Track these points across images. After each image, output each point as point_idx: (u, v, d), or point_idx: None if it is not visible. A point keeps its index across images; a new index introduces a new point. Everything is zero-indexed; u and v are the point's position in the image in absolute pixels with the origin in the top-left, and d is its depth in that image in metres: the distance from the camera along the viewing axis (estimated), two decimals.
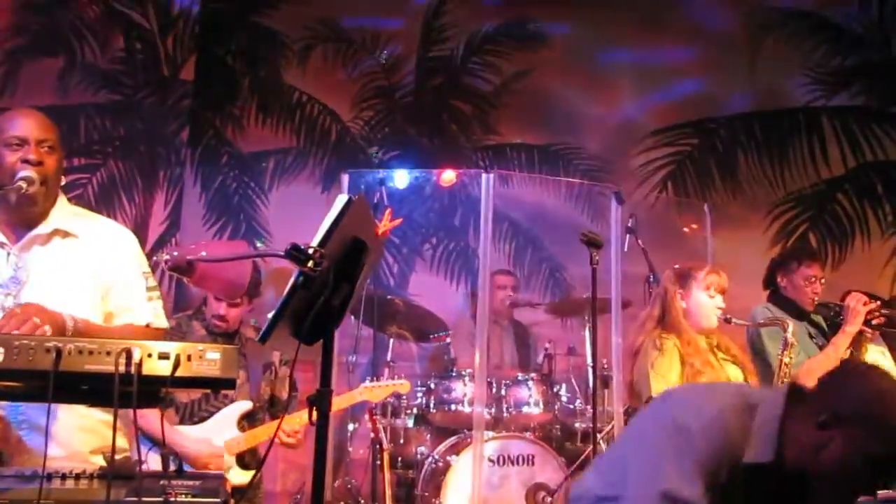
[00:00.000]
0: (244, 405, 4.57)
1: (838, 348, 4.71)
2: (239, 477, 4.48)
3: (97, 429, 2.91)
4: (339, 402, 4.68)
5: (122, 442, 2.97)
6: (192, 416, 4.55)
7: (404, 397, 5.67)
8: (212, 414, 4.57)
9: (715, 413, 2.27)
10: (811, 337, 4.89)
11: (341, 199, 2.24)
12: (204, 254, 2.30)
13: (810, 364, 4.67)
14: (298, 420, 4.53)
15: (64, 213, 3.05)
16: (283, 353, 4.84)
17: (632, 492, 2.27)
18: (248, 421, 4.66)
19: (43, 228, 2.98)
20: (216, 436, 4.50)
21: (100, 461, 2.86)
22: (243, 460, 4.62)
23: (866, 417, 2.13)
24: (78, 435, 2.87)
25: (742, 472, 2.21)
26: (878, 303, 4.75)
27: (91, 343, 2.34)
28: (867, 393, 2.19)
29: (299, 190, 7.39)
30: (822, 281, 5.01)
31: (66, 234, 3.01)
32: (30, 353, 2.30)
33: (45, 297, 2.86)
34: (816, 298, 4.92)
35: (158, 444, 4.09)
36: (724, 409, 2.28)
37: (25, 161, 2.88)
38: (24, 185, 2.84)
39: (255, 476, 4.59)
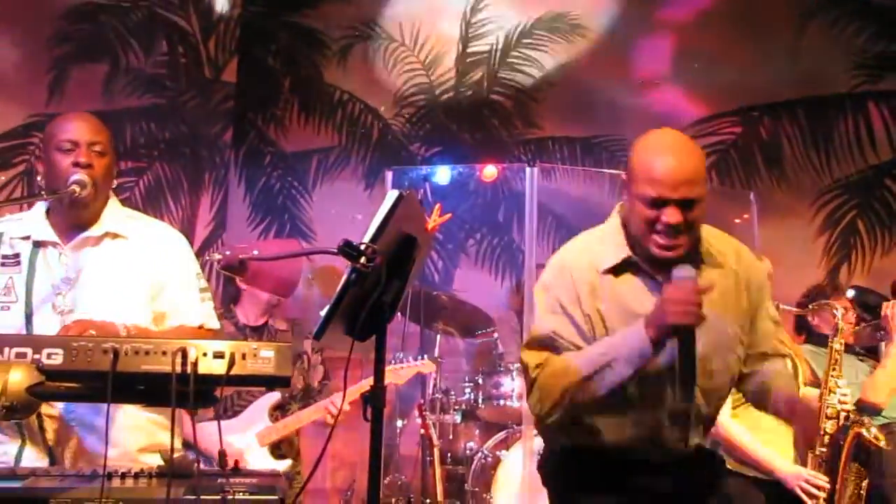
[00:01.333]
0: (274, 396, 4.63)
1: (895, 358, 4.66)
2: (272, 466, 4.55)
3: (146, 427, 2.96)
4: (362, 387, 4.72)
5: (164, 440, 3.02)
6: (227, 410, 4.59)
7: (452, 393, 5.69)
8: (244, 408, 4.62)
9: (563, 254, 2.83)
10: (861, 360, 4.83)
11: (392, 195, 2.25)
12: (256, 252, 2.32)
13: (873, 380, 4.61)
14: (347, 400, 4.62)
15: (116, 215, 3.09)
16: (314, 343, 4.91)
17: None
18: (280, 411, 4.72)
19: (95, 230, 3.02)
20: (248, 429, 4.56)
21: (148, 460, 2.89)
22: (279, 450, 4.69)
23: (631, 169, 2.64)
24: (127, 434, 2.91)
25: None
26: None
27: (147, 343, 2.38)
28: (640, 149, 2.67)
29: (342, 188, 7.42)
30: (852, 312, 4.89)
31: (116, 236, 3.05)
32: (88, 354, 2.33)
33: (95, 297, 2.93)
34: (852, 328, 4.79)
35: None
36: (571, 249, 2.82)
37: (76, 164, 2.92)
38: (77, 188, 2.88)
39: (293, 466, 4.68)
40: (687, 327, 2.49)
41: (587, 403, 2.59)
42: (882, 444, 4.04)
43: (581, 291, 2.65)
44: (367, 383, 4.68)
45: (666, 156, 2.58)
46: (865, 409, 4.38)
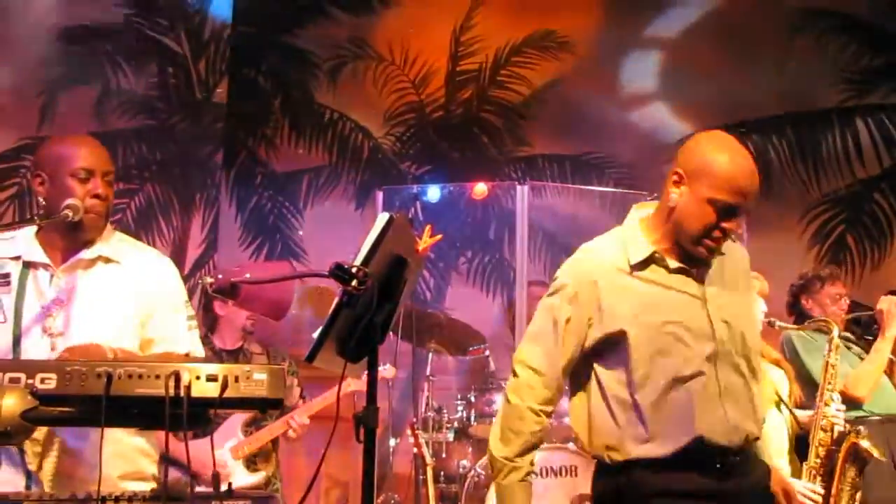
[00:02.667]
0: (246, 412, 4.71)
1: (882, 353, 4.68)
2: (246, 478, 4.72)
3: (128, 454, 2.95)
4: (327, 399, 4.85)
5: (152, 468, 3.04)
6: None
7: (445, 411, 5.69)
8: (219, 424, 4.71)
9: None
10: (849, 348, 4.85)
11: (382, 218, 2.27)
12: (248, 276, 2.34)
13: (857, 373, 4.64)
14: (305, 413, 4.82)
15: (109, 239, 3.09)
16: (290, 363, 5.04)
17: None
18: (253, 426, 4.81)
19: (87, 253, 3.02)
20: (222, 443, 4.65)
21: (130, 486, 2.86)
22: (254, 463, 4.78)
23: (702, 170, 2.60)
24: (109, 460, 2.88)
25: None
26: None
27: (140, 367, 2.38)
28: (703, 146, 2.67)
29: (333, 207, 7.45)
30: (846, 298, 4.97)
31: (108, 260, 3.05)
32: (82, 378, 2.34)
33: (85, 320, 2.92)
34: (843, 316, 4.88)
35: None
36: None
37: (95, 196, 2.93)
38: (69, 213, 2.88)
39: (269, 479, 4.79)
40: None
41: None
42: (876, 454, 4.07)
43: (584, 297, 2.70)
44: (330, 395, 4.85)
45: (745, 165, 2.62)
46: (846, 402, 4.41)
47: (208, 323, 5.01)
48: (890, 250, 7.27)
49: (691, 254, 2.64)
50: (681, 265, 2.67)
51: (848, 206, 7.38)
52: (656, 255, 2.67)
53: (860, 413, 4.56)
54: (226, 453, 4.73)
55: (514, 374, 2.80)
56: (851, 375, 4.59)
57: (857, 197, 7.39)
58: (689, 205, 2.60)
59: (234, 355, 4.96)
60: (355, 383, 5.02)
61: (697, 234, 2.59)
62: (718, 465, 2.63)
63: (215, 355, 4.86)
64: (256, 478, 4.79)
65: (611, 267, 2.69)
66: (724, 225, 2.57)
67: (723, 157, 2.60)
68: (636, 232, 2.73)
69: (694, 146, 2.68)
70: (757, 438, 2.73)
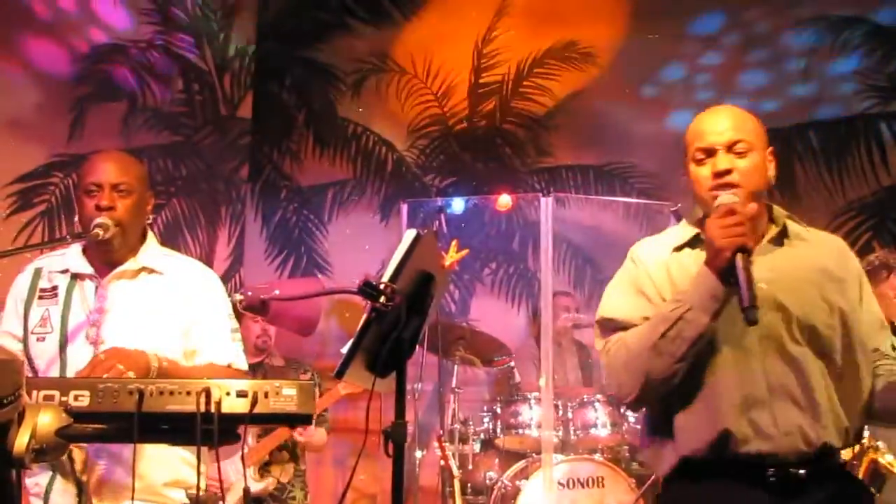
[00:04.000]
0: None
1: None
2: (255, 485, 4.88)
3: (172, 462, 3.00)
4: (322, 402, 4.91)
5: (195, 478, 3.05)
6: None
7: (471, 422, 5.70)
8: None
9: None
10: None
11: (410, 234, 2.30)
12: (277, 293, 2.36)
13: None
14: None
15: (153, 251, 3.16)
16: (311, 375, 5.11)
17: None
18: (265, 433, 4.88)
19: (130, 265, 3.10)
20: (232, 452, 4.72)
21: (172, 494, 2.98)
22: (266, 469, 4.83)
23: (685, 146, 2.69)
24: (153, 467, 2.95)
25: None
26: None
27: (171, 384, 2.42)
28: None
29: (358, 220, 7.49)
30: None
31: (152, 271, 3.13)
32: (114, 395, 2.38)
33: (128, 329, 2.99)
34: None
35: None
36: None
37: (97, 207, 2.99)
38: (100, 232, 2.94)
39: (284, 486, 4.86)
40: (743, 251, 2.38)
41: (667, 377, 2.42)
42: None
43: (652, 271, 2.62)
44: (322, 401, 4.89)
45: (709, 112, 2.69)
46: None
47: None
48: None
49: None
50: None
51: (874, 214, 7.33)
52: (700, 236, 2.61)
53: None
54: (237, 461, 4.76)
55: None
56: None
57: (882, 204, 7.34)
58: (690, 178, 2.65)
59: (254, 370, 5.04)
60: (350, 388, 5.12)
61: (703, 192, 2.59)
62: (773, 479, 2.39)
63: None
64: (264, 483, 4.91)
65: (659, 249, 2.70)
66: (715, 167, 2.56)
67: (693, 122, 2.70)
68: (684, 224, 2.75)
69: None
70: (837, 450, 2.47)
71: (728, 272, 2.38)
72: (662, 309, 2.45)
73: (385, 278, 2.20)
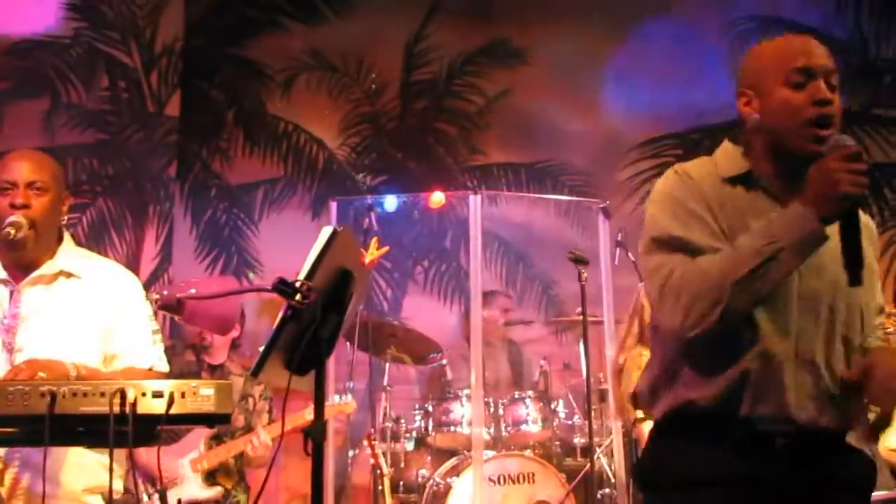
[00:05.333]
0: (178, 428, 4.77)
1: None
2: (201, 492, 4.77)
3: (91, 467, 2.92)
4: (286, 425, 4.87)
5: (116, 483, 3.00)
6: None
7: (403, 421, 5.70)
8: (182, 436, 4.77)
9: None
10: None
11: (326, 231, 2.28)
12: (193, 291, 2.33)
13: None
14: (268, 432, 4.80)
15: (70, 254, 3.08)
16: (263, 387, 5.09)
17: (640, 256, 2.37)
18: (214, 441, 4.86)
19: (47, 269, 3.01)
20: (183, 454, 4.68)
21: (91, 500, 2.90)
22: (213, 478, 4.81)
23: (762, 68, 2.30)
24: (72, 473, 2.88)
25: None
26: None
27: (85, 385, 2.38)
28: (755, 53, 2.38)
29: (289, 219, 7.43)
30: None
31: (69, 275, 3.04)
32: (25, 398, 2.33)
33: (47, 335, 2.91)
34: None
35: (153, 477, 4.38)
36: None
37: (12, 205, 2.91)
38: (11, 231, 2.86)
39: (228, 494, 4.81)
40: (857, 201, 2.11)
41: (741, 315, 2.14)
42: None
43: (706, 193, 2.27)
44: (289, 423, 4.88)
45: (797, 35, 2.35)
46: None
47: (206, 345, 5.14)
48: None
49: (802, 153, 2.22)
50: (778, 188, 2.30)
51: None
52: (753, 174, 2.32)
53: None
54: (185, 465, 4.73)
55: None
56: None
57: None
58: (771, 104, 2.27)
59: (216, 370, 5.08)
60: (346, 406, 5.09)
61: (797, 124, 2.22)
62: (781, 449, 2.19)
63: (196, 361, 5.03)
64: (212, 492, 4.82)
65: (708, 174, 2.34)
66: (817, 96, 2.21)
67: (772, 44, 2.36)
68: (730, 153, 2.39)
69: (744, 60, 2.41)
70: (846, 430, 2.31)
71: (841, 221, 2.12)
72: (748, 242, 2.13)
73: (300, 276, 2.18)
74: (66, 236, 3.12)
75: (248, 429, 5.00)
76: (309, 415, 4.91)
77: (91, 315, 3.00)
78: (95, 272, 3.09)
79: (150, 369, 3.06)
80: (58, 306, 2.99)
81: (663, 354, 2.32)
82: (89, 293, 3.03)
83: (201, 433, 4.79)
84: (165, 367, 3.14)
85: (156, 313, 3.09)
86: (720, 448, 2.20)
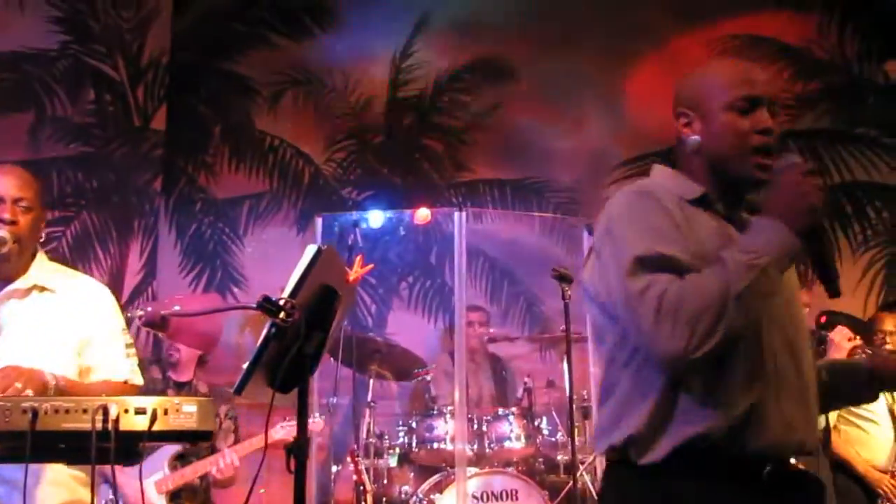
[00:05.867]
0: (175, 447, 4.71)
1: None
2: None
3: (68, 483, 2.92)
4: (255, 444, 4.86)
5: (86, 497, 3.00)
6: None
7: (387, 437, 5.69)
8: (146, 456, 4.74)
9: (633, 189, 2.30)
10: None
11: (310, 250, 2.29)
12: (177, 308, 2.34)
13: None
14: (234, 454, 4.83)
15: (43, 268, 3.09)
16: (229, 407, 5.08)
17: (613, 282, 2.16)
18: (179, 461, 4.82)
19: (21, 283, 3.02)
20: (147, 475, 4.67)
21: None
22: (178, 498, 4.79)
23: (704, 88, 2.29)
24: (47, 489, 2.86)
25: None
26: (863, 338, 4.82)
27: (67, 402, 2.37)
28: (699, 74, 2.35)
29: (274, 234, 7.43)
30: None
31: (43, 289, 3.05)
32: (6, 414, 2.32)
33: (19, 349, 2.90)
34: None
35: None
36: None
37: (0, 220, 2.92)
38: None
39: None
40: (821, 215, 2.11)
41: (738, 336, 2.05)
42: None
43: (677, 218, 2.18)
44: (258, 441, 4.88)
45: (742, 61, 2.34)
46: None
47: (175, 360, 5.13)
48: None
49: (745, 178, 2.22)
50: (726, 210, 2.26)
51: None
52: (708, 196, 2.26)
53: None
54: (150, 486, 4.71)
55: None
56: None
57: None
58: (713, 129, 2.25)
59: (180, 387, 5.07)
60: (315, 425, 5.08)
61: (742, 150, 2.20)
62: (768, 476, 2.13)
63: (162, 379, 5.02)
64: None
65: (668, 193, 2.26)
66: (763, 124, 2.20)
67: (717, 65, 2.39)
68: (679, 175, 2.33)
69: (686, 81, 2.38)
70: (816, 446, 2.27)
71: (810, 235, 2.11)
72: (735, 257, 2.05)
73: (285, 294, 2.19)
74: (40, 251, 3.13)
75: (214, 449, 4.98)
76: (278, 433, 4.93)
77: (66, 329, 3.01)
78: (69, 286, 3.11)
79: (126, 382, 3.06)
80: (32, 320, 2.99)
81: (655, 389, 2.14)
82: (64, 307, 3.04)
83: (165, 454, 4.77)
84: (140, 381, 3.14)
85: (129, 325, 3.10)
86: (725, 483, 2.09)
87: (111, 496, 4.27)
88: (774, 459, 2.13)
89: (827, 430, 5.01)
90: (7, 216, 2.94)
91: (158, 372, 5.06)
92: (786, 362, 2.17)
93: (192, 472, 4.80)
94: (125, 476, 3.98)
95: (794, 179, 2.12)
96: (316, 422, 5.10)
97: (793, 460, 2.23)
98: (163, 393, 4.91)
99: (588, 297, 2.28)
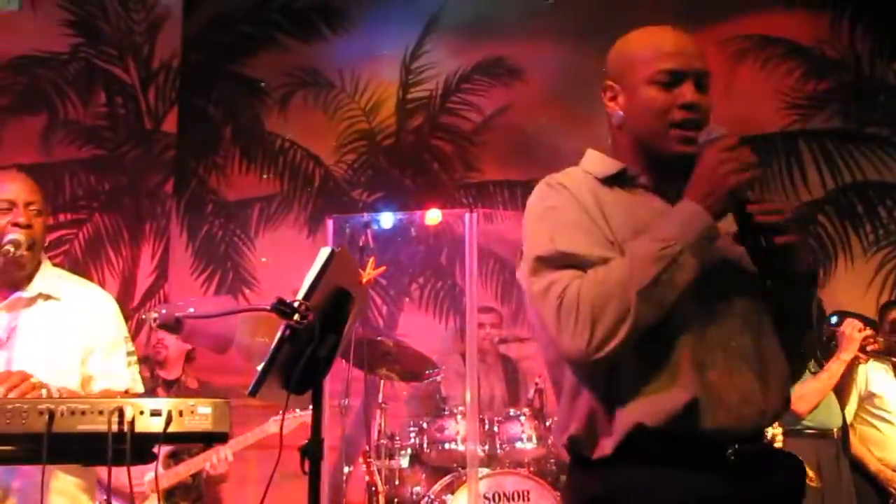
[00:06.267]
0: (168, 446, 4.74)
1: (833, 374, 4.82)
2: None
3: (69, 491, 2.95)
4: (249, 439, 4.87)
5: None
6: None
7: (398, 438, 5.70)
8: None
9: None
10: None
11: (324, 252, 2.29)
12: (192, 310, 2.34)
13: (802, 389, 4.73)
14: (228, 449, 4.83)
15: (48, 276, 3.10)
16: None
17: (523, 282, 2.11)
18: (172, 459, 4.84)
19: (27, 292, 3.03)
20: (142, 475, 4.67)
21: None
22: (173, 497, 4.81)
23: (627, 61, 2.23)
24: (52, 497, 2.87)
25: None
26: (873, 330, 4.82)
27: (83, 403, 2.38)
28: (623, 45, 2.30)
29: (285, 235, 7.45)
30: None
31: (48, 297, 3.05)
32: (23, 416, 2.33)
33: (28, 358, 2.92)
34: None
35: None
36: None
37: (15, 224, 2.93)
38: (11, 248, 2.88)
39: None
40: (744, 192, 2.02)
41: (647, 328, 1.94)
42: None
43: (585, 201, 2.12)
44: (252, 436, 4.88)
45: (668, 30, 2.24)
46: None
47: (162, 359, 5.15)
48: (834, 272, 7.39)
49: (668, 154, 2.13)
50: (654, 183, 2.19)
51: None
52: (628, 171, 2.20)
53: (796, 426, 4.70)
54: (144, 485, 4.71)
55: None
56: (795, 391, 4.69)
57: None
58: (635, 102, 2.18)
59: (170, 385, 5.18)
60: (275, 427, 5.06)
61: (660, 123, 2.12)
62: (732, 457, 2.03)
63: (150, 378, 5.07)
64: None
65: (579, 179, 2.22)
66: (684, 99, 2.12)
67: (642, 37, 2.27)
68: (599, 156, 2.29)
69: (613, 51, 2.32)
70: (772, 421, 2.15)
71: (736, 212, 2.03)
72: (643, 248, 1.97)
73: (299, 296, 2.20)
74: (44, 258, 3.14)
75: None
76: (272, 427, 4.95)
77: (71, 337, 3.03)
78: (74, 294, 3.12)
79: (127, 391, 3.07)
80: (38, 329, 3.00)
81: (590, 384, 2.06)
82: (69, 315, 3.06)
83: (160, 452, 4.80)
84: (140, 389, 3.17)
85: (142, 327, 3.11)
86: (681, 468, 1.99)
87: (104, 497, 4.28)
88: (736, 438, 2.03)
89: (845, 429, 5.01)
90: (22, 220, 2.96)
91: (146, 370, 5.07)
92: (734, 335, 2.06)
93: (185, 470, 4.81)
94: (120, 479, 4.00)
95: (713, 157, 2.02)
96: (297, 416, 5.01)
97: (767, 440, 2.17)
98: (152, 392, 4.92)
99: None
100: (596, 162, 2.27)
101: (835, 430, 4.96)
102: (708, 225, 1.97)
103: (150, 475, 4.67)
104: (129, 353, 3.13)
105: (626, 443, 2.00)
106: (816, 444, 4.76)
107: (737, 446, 2.03)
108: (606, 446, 2.04)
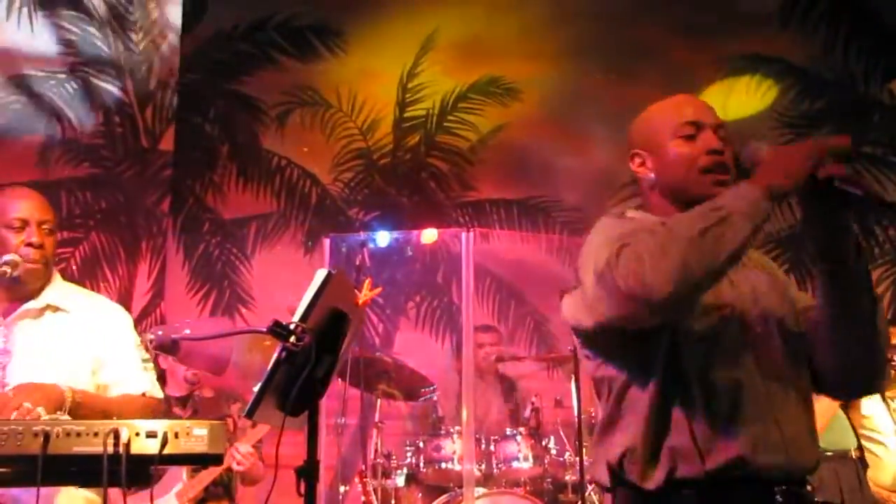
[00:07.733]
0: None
1: None
2: None
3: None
4: (263, 429, 4.84)
5: None
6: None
7: (394, 457, 5.68)
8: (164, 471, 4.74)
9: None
10: None
11: (321, 274, 2.30)
12: (188, 332, 2.35)
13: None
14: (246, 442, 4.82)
15: (57, 288, 3.12)
16: (241, 405, 5.06)
17: (586, 283, 2.11)
18: (195, 469, 4.83)
19: (35, 303, 3.05)
20: (169, 490, 4.66)
21: None
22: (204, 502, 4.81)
23: (652, 128, 2.37)
24: None
25: None
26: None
27: (79, 425, 2.38)
28: (645, 116, 2.45)
29: (282, 254, 7.44)
30: None
31: (57, 309, 3.07)
32: (18, 437, 2.32)
33: (36, 370, 2.91)
34: None
35: None
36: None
37: (29, 244, 2.96)
38: (8, 269, 2.89)
39: None
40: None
41: (704, 276, 1.94)
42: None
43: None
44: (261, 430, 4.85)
45: (683, 95, 2.40)
46: None
47: (158, 374, 5.10)
48: None
49: (705, 199, 2.09)
50: None
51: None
52: None
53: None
54: (172, 499, 4.69)
55: None
56: None
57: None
58: (665, 159, 2.29)
59: (184, 401, 5.09)
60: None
61: (692, 172, 2.23)
62: (780, 499, 2.08)
63: (172, 404, 5.01)
64: None
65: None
66: (709, 145, 2.23)
67: (660, 104, 2.41)
68: (637, 212, 2.39)
69: (633, 126, 2.46)
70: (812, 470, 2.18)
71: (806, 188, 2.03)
72: (695, 211, 2.02)
73: (295, 318, 2.20)
74: (55, 272, 3.15)
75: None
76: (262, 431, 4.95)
77: (80, 348, 3.03)
78: (82, 305, 3.13)
79: (144, 395, 3.08)
80: (46, 341, 3.01)
81: (642, 414, 2.11)
82: (77, 326, 3.06)
83: (181, 466, 4.77)
84: (159, 393, 3.17)
85: (147, 350, 3.12)
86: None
87: None
88: (784, 480, 2.07)
89: (861, 449, 4.99)
90: (35, 239, 2.99)
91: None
92: (772, 382, 2.13)
93: (209, 475, 4.78)
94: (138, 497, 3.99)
95: (782, 148, 2.07)
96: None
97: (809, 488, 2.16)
98: (168, 412, 4.91)
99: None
100: (639, 217, 2.36)
101: (852, 450, 4.94)
102: (756, 196, 1.97)
103: (176, 488, 4.69)
104: (144, 360, 3.14)
105: (675, 480, 2.05)
106: (836, 466, 4.71)
107: (784, 487, 2.07)
108: (656, 479, 2.07)
